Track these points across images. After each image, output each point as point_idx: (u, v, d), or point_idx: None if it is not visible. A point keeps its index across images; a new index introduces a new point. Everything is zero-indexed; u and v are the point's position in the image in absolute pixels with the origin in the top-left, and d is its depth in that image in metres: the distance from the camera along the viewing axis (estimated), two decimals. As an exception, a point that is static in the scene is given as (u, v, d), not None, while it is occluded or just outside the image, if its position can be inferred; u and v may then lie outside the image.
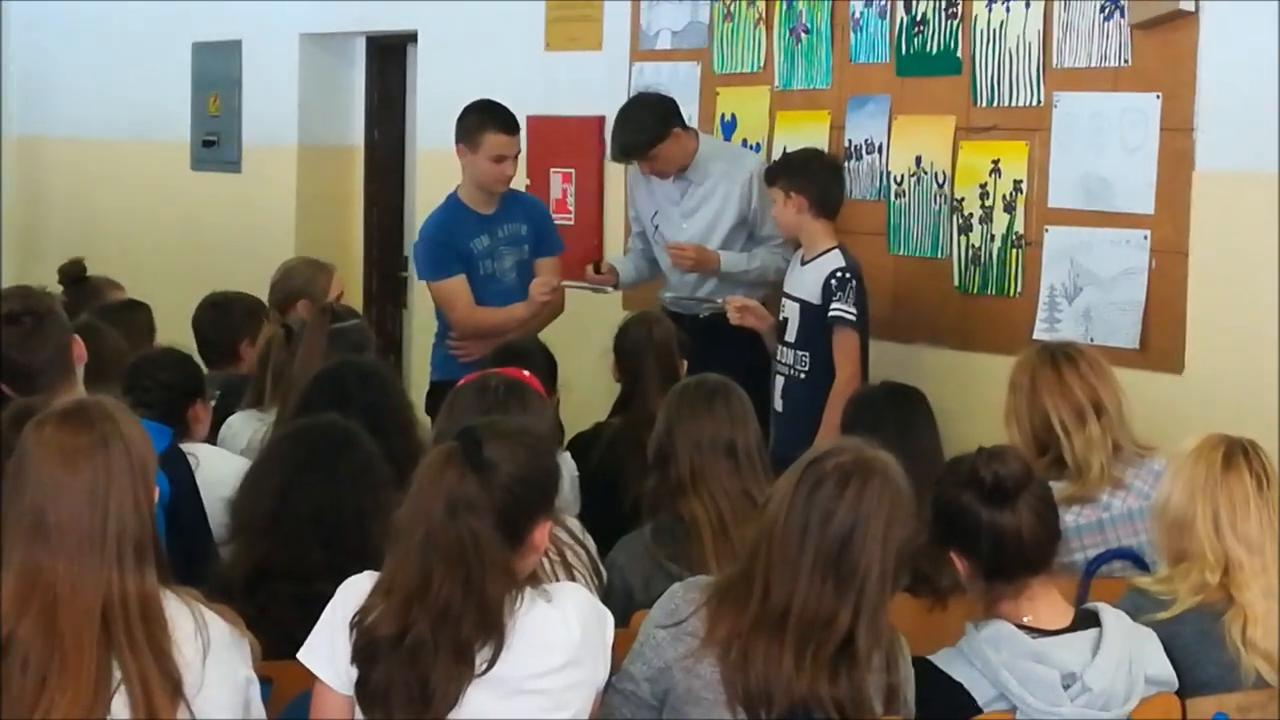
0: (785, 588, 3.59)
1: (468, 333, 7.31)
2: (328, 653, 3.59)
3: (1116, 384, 5.27)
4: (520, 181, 7.88)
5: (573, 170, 8.82)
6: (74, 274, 7.34)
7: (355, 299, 10.07)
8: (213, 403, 5.65)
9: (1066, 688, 3.87)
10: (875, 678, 3.62)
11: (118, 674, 3.38)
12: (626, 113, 7.39)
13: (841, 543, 3.59)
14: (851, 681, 3.58)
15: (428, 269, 7.50)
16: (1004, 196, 6.81)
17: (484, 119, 7.33)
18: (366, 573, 3.64)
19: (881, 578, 3.61)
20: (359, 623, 3.54)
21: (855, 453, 3.68)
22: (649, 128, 7.29)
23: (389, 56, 10.52)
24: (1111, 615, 4.00)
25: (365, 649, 3.53)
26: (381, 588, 3.56)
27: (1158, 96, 6.30)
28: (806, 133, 7.55)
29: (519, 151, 7.45)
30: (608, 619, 3.73)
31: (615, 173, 8.52)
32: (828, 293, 6.64)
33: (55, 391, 4.68)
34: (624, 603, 4.57)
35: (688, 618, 3.71)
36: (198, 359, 5.99)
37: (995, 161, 6.85)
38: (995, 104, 6.86)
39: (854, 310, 6.62)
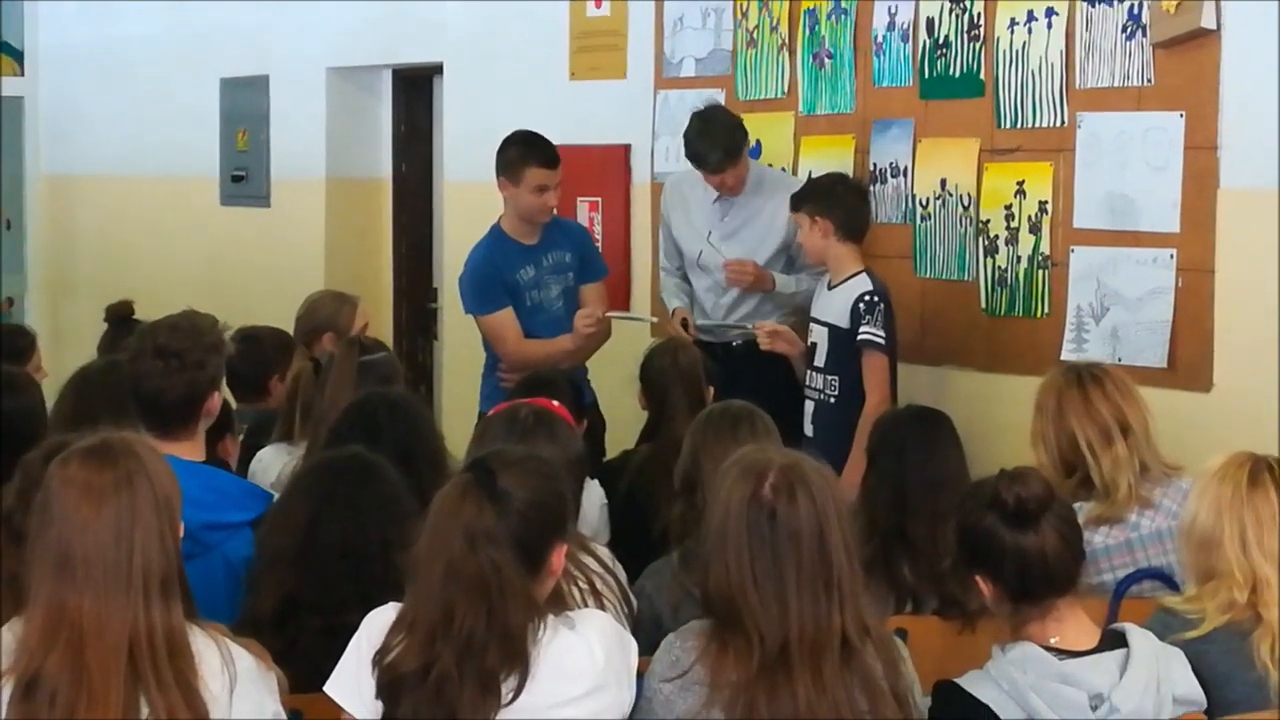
0: (778, 624, 3.59)
1: (517, 365, 7.22)
2: (354, 685, 3.60)
3: (1142, 403, 5.26)
4: (549, 211, 7.89)
5: (599, 199, 8.83)
6: (122, 313, 7.36)
7: (385, 331, 10.09)
8: (240, 437, 5.67)
9: (1094, 708, 3.85)
10: (881, 683, 3.62)
11: (145, 709, 3.40)
12: (710, 119, 7.25)
13: (817, 547, 3.61)
14: (862, 679, 3.59)
15: (475, 303, 7.47)
16: (1029, 218, 6.79)
17: (525, 152, 7.33)
18: (390, 604, 3.65)
19: (849, 560, 3.65)
20: (381, 660, 3.55)
21: (776, 466, 3.68)
22: (738, 127, 7.25)
23: (415, 89, 10.57)
24: (1139, 635, 3.98)
25: (390, 685, 3.53)
26: (403, 623, 3.57)
27: (1181, 115, 6.28)
28: (831, 157, 7.55)
29: (560, 181, 7.43)
30: (631, 644, 3.74)
31: (642, 200, 8.53)
32: (856, 316, 6.64)
33: (172, 435, 4.70)
34: (653, 630, 4.54)
35: (691, 667, 3.67)
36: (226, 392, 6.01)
37: (1020, 183, 6.83)
38: (1019, 125, 6.84)
39: (883, 334, 6.62)
